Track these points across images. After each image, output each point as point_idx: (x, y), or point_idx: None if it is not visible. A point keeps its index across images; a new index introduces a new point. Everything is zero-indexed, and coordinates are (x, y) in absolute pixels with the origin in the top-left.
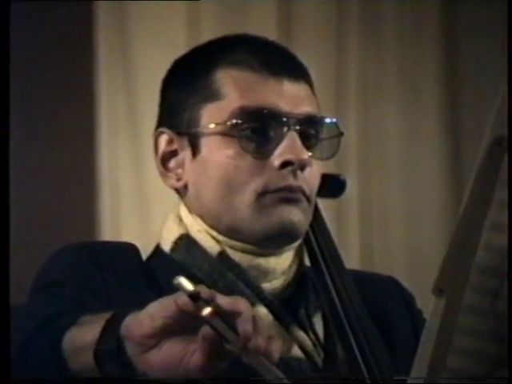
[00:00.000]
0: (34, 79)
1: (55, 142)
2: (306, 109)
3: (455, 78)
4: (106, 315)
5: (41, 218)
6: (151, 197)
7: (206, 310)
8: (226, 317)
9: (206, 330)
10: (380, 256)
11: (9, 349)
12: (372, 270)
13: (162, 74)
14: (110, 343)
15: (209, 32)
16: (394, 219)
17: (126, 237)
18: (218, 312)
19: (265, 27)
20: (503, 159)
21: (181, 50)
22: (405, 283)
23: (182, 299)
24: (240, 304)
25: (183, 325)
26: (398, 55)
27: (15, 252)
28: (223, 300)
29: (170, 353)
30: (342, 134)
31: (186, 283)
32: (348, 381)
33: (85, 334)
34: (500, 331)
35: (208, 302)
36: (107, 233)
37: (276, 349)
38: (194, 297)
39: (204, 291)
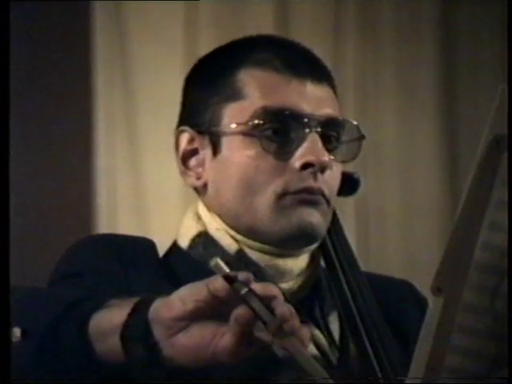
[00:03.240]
0: (31, 79)
1: (53, 140)
2: (327, 111)
3: (453, 79)
4: (134, 299)
5: (38, 216)
6: (148, 196)
7: (245, 290)
8: (262, 299)
9: (239, 311)
10: (377, 255)
11: (9, 351)
12: (368, 269)
13: (159, 73)
14: (138, 326)
15: (206, 32)
16: (391, 218)
17: None
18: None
19: (262, 26)
20: (501, 158)
21: (179, 50)
22: None
23: (215, 284)
24: (273, 289)
25: (214, 310)
26: (396, 55)
27: (13, 251)
28: (257, 284)
29: (198, 335)
30: (363, 137)
31: (222, 265)
32: (356, 380)
33: (112, 316)
34: (498, 330)
35: (243, 285)
36: (104, 231)
37: (307, 334)
38: (229, 278)
39: (240, 273)
